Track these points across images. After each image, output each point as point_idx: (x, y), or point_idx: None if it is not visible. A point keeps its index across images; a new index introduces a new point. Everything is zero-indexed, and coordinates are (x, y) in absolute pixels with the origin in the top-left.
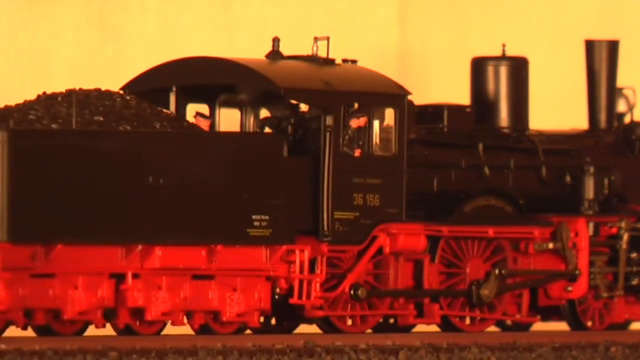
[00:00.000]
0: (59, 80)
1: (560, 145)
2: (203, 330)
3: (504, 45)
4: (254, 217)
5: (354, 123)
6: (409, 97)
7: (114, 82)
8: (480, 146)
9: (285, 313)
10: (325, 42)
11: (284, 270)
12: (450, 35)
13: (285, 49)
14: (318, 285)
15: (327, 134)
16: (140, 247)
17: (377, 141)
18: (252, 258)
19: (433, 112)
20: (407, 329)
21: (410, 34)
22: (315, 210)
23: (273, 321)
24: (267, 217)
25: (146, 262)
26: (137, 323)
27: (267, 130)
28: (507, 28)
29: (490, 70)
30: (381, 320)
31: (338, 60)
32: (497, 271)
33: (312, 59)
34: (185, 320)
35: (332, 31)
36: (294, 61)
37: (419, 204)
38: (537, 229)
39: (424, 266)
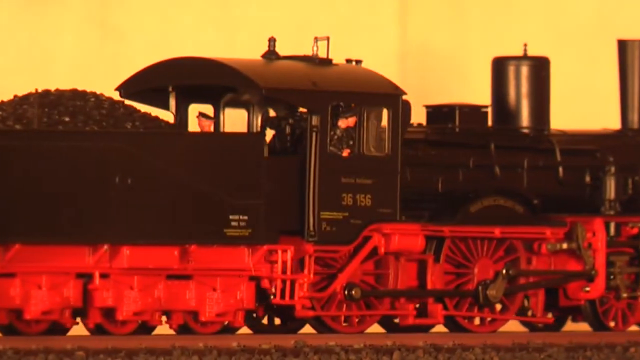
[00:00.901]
0: (59, 80)
1: (583, 145)
2: (186, 330)
3: (525, 45)
4: (231, 217)
5: (343, 123)
6: (405, 97)
7: (114, 81)
8: (492, 146)
9: (289, 314)
10: (326, 42)
11: (267, 270)
12: (450, 35)
13: (285, 49)
14: (306, 285)
15: (313, 134)
16: (106, 247)
17: (372, 141)
18: (232, 258)
19: (448, 112)
20: (427, 329)
21: (411, 34)
22: (303, 210)
23: (277, 321)
24: (245, 217)
25: (115, 262)
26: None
27: (269, 130)
28: (508, 28)
29: (511, 70)
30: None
31: (342, 60)
32: (504, 271)
33: (309, 59)
34: (166, 320)
35: (333, 31)
36: (288, 61)
37: (423, 204)
38: (549, 229)
39: (428, 266)
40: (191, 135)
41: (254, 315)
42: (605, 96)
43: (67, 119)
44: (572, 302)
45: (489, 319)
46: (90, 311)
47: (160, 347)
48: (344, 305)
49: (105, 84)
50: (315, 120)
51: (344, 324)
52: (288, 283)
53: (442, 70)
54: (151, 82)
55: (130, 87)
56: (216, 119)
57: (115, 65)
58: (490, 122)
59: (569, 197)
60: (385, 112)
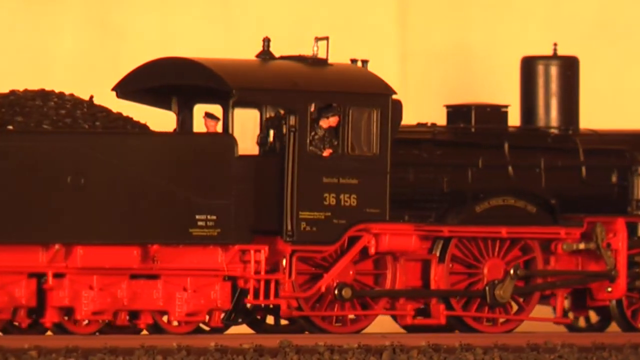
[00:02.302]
0: (59, 79)
1: (611, 145)
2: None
3: (555, 45)
4: (198, 217)
5: (324, 123)
6: (396, 97)
7: (114, 81)
8: (506, 145)
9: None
10: (325, 42)
11: (241, 270)
12: (450, 35)
13: (285, 49)
14: (286, 285)
15: (291, 134)
16: (57, 246)
17: (359, 141)
18: (203, 257)
19: (467, 111)
20: (450, 330)
21: (411, 34)
22: (281, 210)
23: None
24: (214, 217)
25: (69, 262)
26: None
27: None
28: (508, 27)
29: (540, 69)
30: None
31: (347, 60)
32: (512, 271)
33: (302, 59)
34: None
35: (332, 31)
36: (279, 61)
37: (428, 204)
38: (563, 229)
39: (431, 266)
40: (158, 136)
41: (258, 316)
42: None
43: (19, 118)
44: (597, 302)
45: (501, 320)
46: (47, 311)
47: (120, 346)
48: (336, 306)
49: (105, 84)
50: (292, 120)
51: (338, 324)
52: (262, 283)
53: (442, 70)
54: (138, 83)
55: (122, 88)
56: (225, 119)
57: (115, 65)
58: (510, 122)
59: (594, 197)
60: (374, 112)
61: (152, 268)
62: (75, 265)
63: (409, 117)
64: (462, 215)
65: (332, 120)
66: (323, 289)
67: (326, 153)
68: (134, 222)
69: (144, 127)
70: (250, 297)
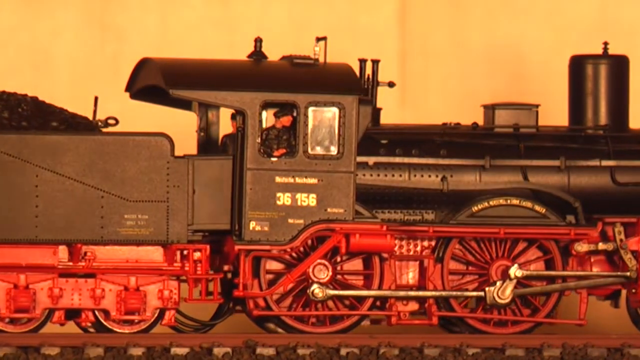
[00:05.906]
0: (60, 79)
1: None
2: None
3: (604, 44)
4: (127, 216)
5: (277, 123)
6: (361, 97)
7: (114, 81)
8: (522, 146)
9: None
10: (325, 42)
11: (181, 269)
12: (450, 35)
13: (285, 49)
14: (241, 285)
15: (239, 133)
16: None
17: (319, 140)
18: (143, 257)
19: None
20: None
21: (411, 34)
22: (232, 210)
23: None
24: (146, 217)
25: None
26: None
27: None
28: (508, 28)
29: (589, 68)
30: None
31: (354, 61)
32: (510, 272)
33: (289, 59)
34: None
35: (333, 31)
36: (258, 62)
37: (429, 205)
38: (572, 230)
39: (428, 266)
40: (86, 135)
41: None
42: None
43: None
44: (633, 304)
45: (510, 321)
46: None
47: (33, 345)
48: (313, 305)
49: (105, 84)
50: (239, 120)
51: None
52: (203, 282)
53: (441, 71)
54: (134, 85)
55: (130, 89)
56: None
57: (115, 65)
58: (560, 122)
59: (628, 198)
60: (337, 112)
61: (82, 267)
62: None
63: (410, 117)
64: (458, 216)
65: (285, 120)
66: (285, 289)
67: (277, 153)
68: (52, 221)
69: (92, 129)
70: (189, 296)
